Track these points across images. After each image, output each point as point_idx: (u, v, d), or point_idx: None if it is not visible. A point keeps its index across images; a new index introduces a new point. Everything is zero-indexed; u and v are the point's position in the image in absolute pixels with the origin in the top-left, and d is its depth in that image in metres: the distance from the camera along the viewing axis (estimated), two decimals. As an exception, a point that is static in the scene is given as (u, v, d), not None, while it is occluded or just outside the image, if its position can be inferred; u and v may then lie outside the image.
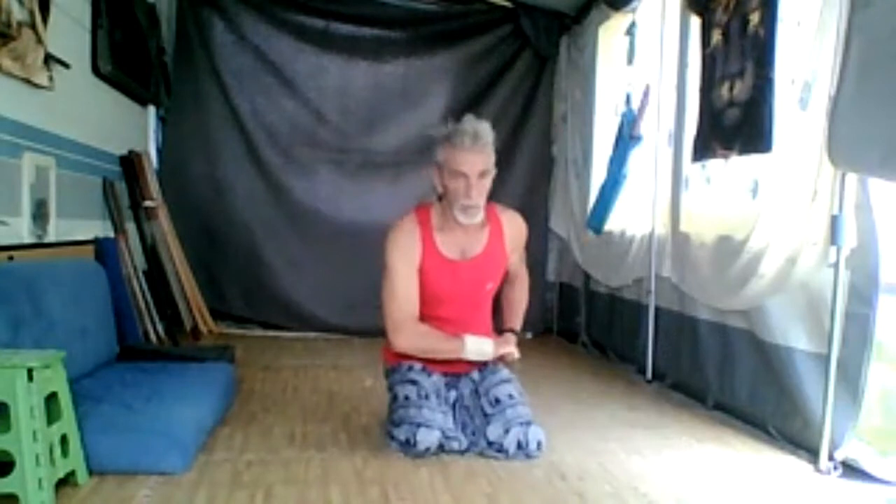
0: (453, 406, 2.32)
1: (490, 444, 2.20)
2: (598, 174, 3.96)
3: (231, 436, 2.30)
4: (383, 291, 2.33)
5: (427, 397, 2.25)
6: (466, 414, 2.30)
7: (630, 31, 3.73)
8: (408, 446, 2.15)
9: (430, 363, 2.37)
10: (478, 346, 2.31)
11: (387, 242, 2.35)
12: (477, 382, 2.36)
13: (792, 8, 2.44)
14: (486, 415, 2.25)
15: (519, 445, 2.17)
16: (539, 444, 2.18)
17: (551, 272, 4.77)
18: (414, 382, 2.30)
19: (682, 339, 3.11)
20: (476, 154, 2.20)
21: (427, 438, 2.14)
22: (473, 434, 2.25)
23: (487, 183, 2.25)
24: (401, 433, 2.17)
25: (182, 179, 4.34)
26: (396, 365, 2.40)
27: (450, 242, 2.34)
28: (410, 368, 2.36)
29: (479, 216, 2.27)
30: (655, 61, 3.38)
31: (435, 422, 2.18)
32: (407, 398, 2.26)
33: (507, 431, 2.19)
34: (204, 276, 4.30)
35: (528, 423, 2.21)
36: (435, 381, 2.35)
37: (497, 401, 2.26)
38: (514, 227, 2.44)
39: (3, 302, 2.04)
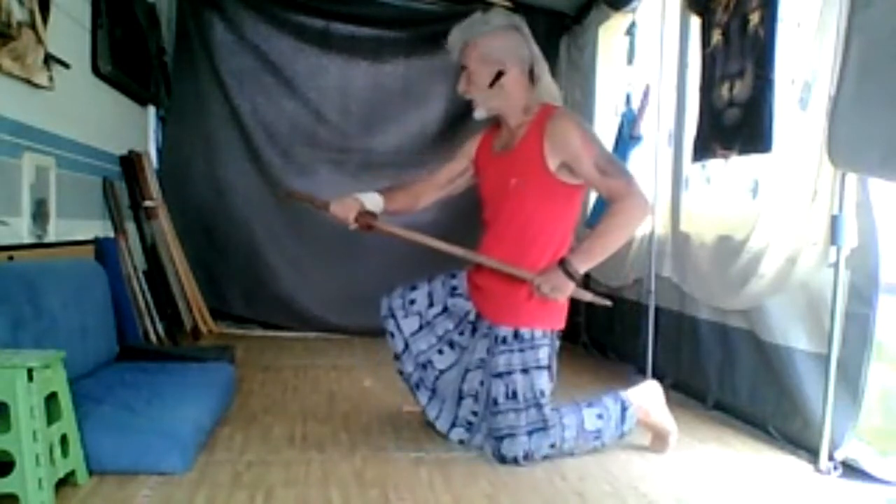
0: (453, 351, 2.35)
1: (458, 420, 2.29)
2: (598, 174, 3.95)
3: (231, 436, 2.30)
4: None
5: (429, 325, 2.36)
6: (460, 378, 2.31)
7: (630, 31, 3.73)
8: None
9: (472, 283, 2.33)
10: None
11: None
12: (487, 349, 2.23)
13: (792, 8, 2.44)
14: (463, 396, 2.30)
15: (492, 453, 2.17)
16: (515, 459, 2.11)
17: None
18: (444, 308, 2.36)
19: (682, 339, 3.11)
20: (461, 52, 2.23)
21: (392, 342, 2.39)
22: (444, 402, 2.33)
23: (479, 75, 2.19)
24: (388, 324, 2.38)
25: (182, 179, 4.33)
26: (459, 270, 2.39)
27: (499, 140, 2.32)
28: (454, 276, 2.38)
29: (478, 112, 2.26)
30: (655, 61, 3.37)
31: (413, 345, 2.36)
32: (413, 301, 2.37)
33: (483, 436, 2.22)
34: (204, 276, 4.29)
35: (501, 439, 2.12)
36: (459, 308, 2.34)
37: (487, 394, 2.21)
38: (555, 125, 2.12)
39: (3, 302, 2.03)
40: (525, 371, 2.15)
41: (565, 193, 2.19)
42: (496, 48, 2.19)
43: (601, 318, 4.08)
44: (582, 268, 2.08)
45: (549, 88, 2.25)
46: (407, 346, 2.39)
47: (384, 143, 4.55)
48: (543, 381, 2.17)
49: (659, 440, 2.29)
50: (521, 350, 2.16)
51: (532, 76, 2.22)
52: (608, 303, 2.22)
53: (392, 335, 2.41)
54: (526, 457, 2.12)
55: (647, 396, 2.29)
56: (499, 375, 2.17)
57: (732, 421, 2.70)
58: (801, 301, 2.34)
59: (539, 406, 2.14)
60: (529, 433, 2.12)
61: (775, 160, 2.43)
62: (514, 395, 2.15)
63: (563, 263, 2.07)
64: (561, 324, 2.26)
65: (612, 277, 3.83)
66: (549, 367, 2.21)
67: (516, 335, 2.17)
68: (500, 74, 2.19)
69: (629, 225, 2.11)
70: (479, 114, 2.26)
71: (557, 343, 2.28)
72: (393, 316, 2.41)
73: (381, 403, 2.81)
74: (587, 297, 2.17)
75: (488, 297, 2.27)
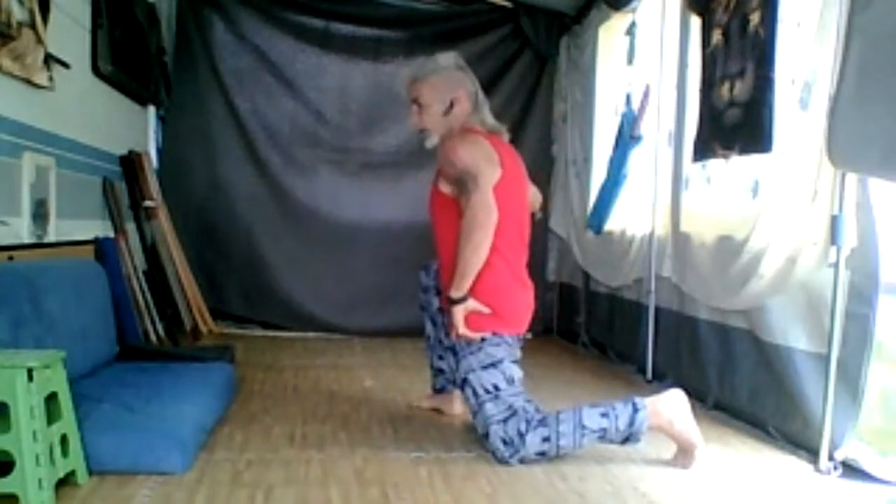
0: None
1: None
2: (598, 174, 3.96)
3: (231, 435, 2.30)
4: None
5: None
6: None
7: (630, 31, 3.73)
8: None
9: None
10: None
11: None
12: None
13: (792, 8, 2.44)
14: None
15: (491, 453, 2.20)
16: (504, 453, 2.13)
17: (551, 272, 4.77)
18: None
19: (682, 339, 3.11)
20: (410, 88, 2.40)
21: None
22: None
23: (426, 111, 2.36)
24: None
25: (182, 179, 4.33)
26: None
27: None
28: (426, 269, 2.64)
29: (430, 141, 2.39)
30: (655, 61, 3.38)
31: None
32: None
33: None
34: (204, 276, 4.30)
35: (486, 437, 2.19)
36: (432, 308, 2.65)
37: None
38: (443, 146, 2.32)
39: (3, 302, 2.04)
40: (474, 370, 2.23)
41: (457, 208, 2.25)
42: (448, 81, 2.37)
43: (601, 318, 4.08)
44: (458, 294, 2.19)
45: (483, 116, 2.39)
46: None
47: (384, 143, 4.56)
48: (495, 377, 2.22)
49: (683, 454, 2.21)
50: (473, 353, 2.24)
51: (476, 105, 2.39)
52: (486, 310, 2.24)
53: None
54: (507, 443, 2.12)
55: (671, 405, 2.19)
56: (465, 381, 2.26)
57: (732, 421, 2.70)
58: (801, 301, 2.34)
59: (498, 398, 2.19)
60: (502, 421, 2.16)
61: (775, 160, 2.43)
62: (476, 393, 2.22)
63: (447, 297, 2.24)
64: (513, 329, 2.29)
65: (612, 278, 3.83)
66: (507, 362, 2.24)
67: (468, 342, 2.25)
68: (452, 104, 2.36)
69: (466, 246, 2.15)
70: (431, 143, 2.39)
71: (517, 344, 2.32)
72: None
73: (381, 403, 2.81)
74: (470, 306, 2.22)
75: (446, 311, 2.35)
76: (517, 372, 2.26)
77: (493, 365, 2.22)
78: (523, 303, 2.33)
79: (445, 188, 2.31)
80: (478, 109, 2.39)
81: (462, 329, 2.20)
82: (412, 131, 2.50)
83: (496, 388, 2.20)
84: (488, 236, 2.14)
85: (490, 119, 2.41)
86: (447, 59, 2.41)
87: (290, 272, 4.44)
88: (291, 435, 2.34)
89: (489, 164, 2.21)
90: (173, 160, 4.37)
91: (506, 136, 2.43)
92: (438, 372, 2.70)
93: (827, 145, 2.09)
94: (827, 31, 2.18)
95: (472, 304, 2.21)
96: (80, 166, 3.12)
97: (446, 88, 2.36)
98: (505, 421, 2.15)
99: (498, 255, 2.21)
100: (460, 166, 2.20)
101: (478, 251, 2.15)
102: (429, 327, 2.66)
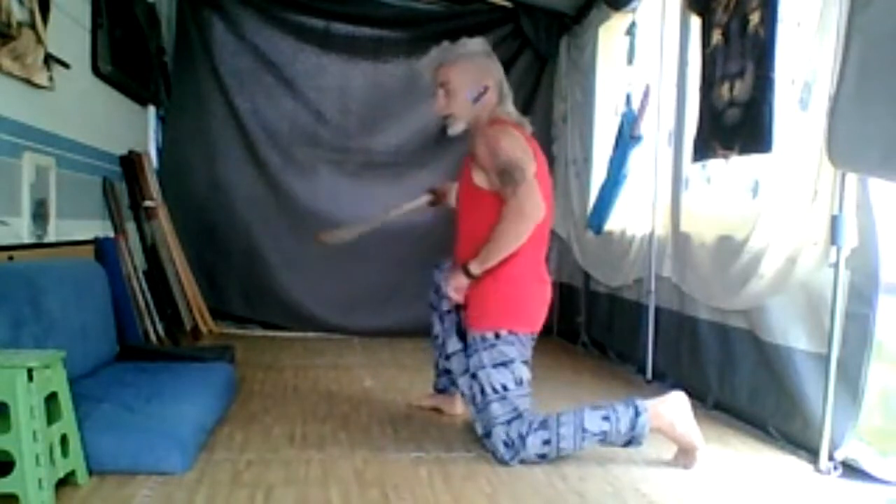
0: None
1: None
2: (598, 174, 3.96)
3: (231, 435, 2.30)
4: None
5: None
6: None
7: (630, 31, 3.73)
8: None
9: None
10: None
11: None
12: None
13: (792, 8, 2.44)
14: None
15: (491, 453, 2.20)
16: (505, 455, 2.13)
17: (551, 272, 4.73)
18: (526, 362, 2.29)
19: (682, 339, 3.11)
20: (438, 72, 2.36)
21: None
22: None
23: (454, 96, 2.32)
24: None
25: (182, 179, 4.34)
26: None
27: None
28: (438, 266, 2.58)
29: (455, 128, 2.37)
30: (655, 61, 3.38)
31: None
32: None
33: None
34: (204, 276, 4.30)
35: (488, 435, 2.19)
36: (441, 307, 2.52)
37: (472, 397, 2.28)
38: (477, 138, 2.28)
39: (3, 302, 2.04)
40: (485, 367, 2.22)
41: (489, 201, 2.23)
42: (479, 68, 2.33)
43: (601, 318, 4.08)
44: (477, 270, 2.20)
45: (508, 108, 2.37)
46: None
47: (384, 143, 4.56)
48: (505, 377, 2.21)
49: (684, 454, 2.21)
50: (486, 349, 2.23)
51: (501, 94, 2.36)
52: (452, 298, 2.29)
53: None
54: (508, 445, 2.12)
55: (673, 408, 2.20)
56: (473, 376, 2.25)
57: (732, 421, 2.70)
58: (801, 301, 2.34)
59: (505, 398, 2.18)
60: (507, 422, 2.15)
61: (775, 160, 2.43)
62: (483, 391, 2.21)
63: (464, 266, 2.23)
64: (529, 327, 2.28)
65: (612, 278, 3.83)
66: (518, 362, 2.23)
67: (483, 338, 2.24)
68: (485, 90, 2.33)
69: (508, 230, 2.15)
70: (456, 130, 2.37)
71: (530, 343, 2.30)
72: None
73: (381, 403, 2.81)
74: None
75: (466, 305, 2.34)
76: (526, 373, 2.24)
77: (504, 364, 2.21)
78: (539, 298, 2.31)
79: (481, 181, 2.26)
80: (503, 100, 2.36)
81: (456, 296, 2.23)
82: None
83: (504, 388, 2.18)
84: (530, 229, 2.15)
85: (514, 110, 2.38)
86: (476, 44, 2.37)
87: (290, 272, 4.44)
88: (291, 435, 2.34)
89: (527, 156, 2.20)
90: (173, 160, 4.37)
91: (529, 129, 2.40)
92: (444, 372, 2.68)
93: (827, 145, 2.09)
94: (827, 31, 2.18)
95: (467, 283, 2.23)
96: (80, 166, 3.12)
97: (476, 75, 2.32)
98: (509, 423, 2.15)
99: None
100: (504, 158, 2.16)
101: (518, 240, 2.16)
102: (437, 327, 2.60)
